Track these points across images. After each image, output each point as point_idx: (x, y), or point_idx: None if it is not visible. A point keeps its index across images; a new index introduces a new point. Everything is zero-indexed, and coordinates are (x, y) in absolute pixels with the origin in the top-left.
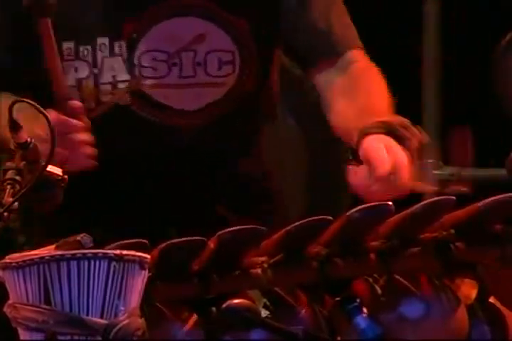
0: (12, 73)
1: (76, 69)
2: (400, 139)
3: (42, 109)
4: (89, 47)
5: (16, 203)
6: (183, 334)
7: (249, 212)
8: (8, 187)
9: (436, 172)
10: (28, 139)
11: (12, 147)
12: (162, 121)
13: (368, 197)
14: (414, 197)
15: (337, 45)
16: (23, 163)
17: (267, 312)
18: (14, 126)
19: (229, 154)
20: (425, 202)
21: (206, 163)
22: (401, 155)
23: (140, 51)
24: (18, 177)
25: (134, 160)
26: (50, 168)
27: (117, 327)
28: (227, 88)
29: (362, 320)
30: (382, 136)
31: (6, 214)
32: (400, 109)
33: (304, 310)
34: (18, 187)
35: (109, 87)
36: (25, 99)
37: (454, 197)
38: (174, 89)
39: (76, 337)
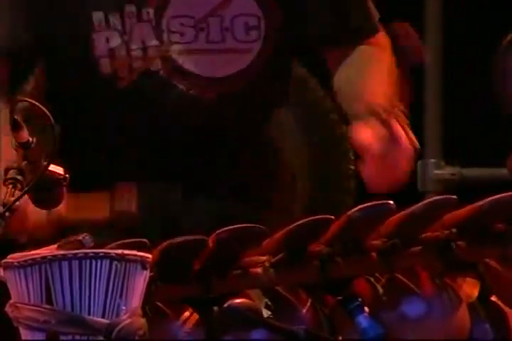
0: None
1: (107, 40)
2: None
3: (43, 108)
4: (118, 15)
5: (18, 203)
6: (184, 334)
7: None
8: (10, 186)
9: (437, 171)
10: (30, 139)
11: (13, 147)
12: (189, 88)
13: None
14: (415, 196)
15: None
16: (25, 162)
17: (269, 312)
18: (15, 126)
19: (253, 122)
20: (427, 201)
21: (229, 133)
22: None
23: (167, 17)
24: (19, 177)
25: (160, 127)
26: (51, 167)
27: (119, 327)
28: (253, 55)
29: (363, 319)
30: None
31: (7, 213)
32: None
33: (305, 310)
34: (19, 186)
35: (139, 53)
36: (26, 99)
37: (455, 197)
38: (202, 55)
39: (78, 337)
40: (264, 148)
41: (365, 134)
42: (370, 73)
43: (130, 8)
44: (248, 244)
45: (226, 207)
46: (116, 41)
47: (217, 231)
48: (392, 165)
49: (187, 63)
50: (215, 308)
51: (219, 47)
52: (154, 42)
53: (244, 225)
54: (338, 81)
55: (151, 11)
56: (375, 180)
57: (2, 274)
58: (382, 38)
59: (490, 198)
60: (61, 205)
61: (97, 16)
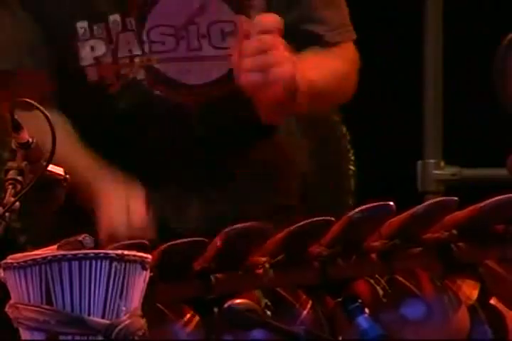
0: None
1: (93, 48)
2: None
3: (42, 108)
4: (102, 24)
5: (18, 203)
6: (185, 334)
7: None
8: (10, 187)
9: (437, 172)
10: (30, 139)
11: (13, 147)
12: (172, 96)
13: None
14: (415, 197)
15: (329, 39)
16: (25, 162)
17: (269, 313)
18: (15, 126)
19: (239, 132)
20: (427, 202)
21: (215, 140)
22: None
23: (148, 26)
24: (19, 177)
25: (144, 136)
26: (51, 167)
27: (119, 327)
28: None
29: (363, 321)
30: None
31: (7, 214)
32: (400, 109)
33: (305, 311)
34: (19, 187)
35: (127, 60)
36: (25, 99)
37: (456, 198)
38: (183, 63)
39: (77, 337)
40: (252, 155)
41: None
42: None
43: (114, 18)
44: (253, 243)
45: (213, 211)
46: (101, 49)
47: (225, 230)
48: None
49: (169, 71)
50: (216, 309)
51: (199, 54)
52: (138, 51)
53: (251, 223)
54: None
55: (133, 20)
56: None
57: (2, 275)
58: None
59: (490, 199)
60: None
61: (81, 26)
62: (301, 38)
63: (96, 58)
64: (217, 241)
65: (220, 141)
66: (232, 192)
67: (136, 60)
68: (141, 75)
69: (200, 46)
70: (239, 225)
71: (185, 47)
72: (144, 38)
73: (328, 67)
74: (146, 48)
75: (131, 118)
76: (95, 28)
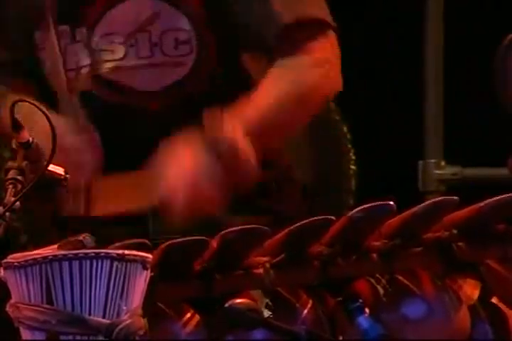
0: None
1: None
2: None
3: (43, 108)
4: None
5: (18, 203)
6: (185, 334)
7: None
8: (10, 186)
9: (438, 171)
10: (30, 139)
11: (14, 146)
12: (124, 104)
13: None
14: (416, 196)
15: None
16: (25, 162)
17: (269, 312)
18: (16, 126)
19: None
20: (428, 202)
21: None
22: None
23: (98, 35)
24: (20, 177)
25: (107, 147)
26: (52, 167)
27: (119, 327)
28: (187, 69)
29: (364, 320)
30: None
31: (7, 213)
32: (401, 108)
33: (305, 310)
34: (20, 186)
35: (73, 74)
36: (26, 99)
37: (456, 198)
38: (133, 71)
39: (78, 337)
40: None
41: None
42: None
43: (63, 28)
44: (252, 244)
45: None
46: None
47: (223, 232)
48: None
49: (119, 79)
50: (216, 308)
51: (149, 62)
52: (86, 61)
53: (249, 226)
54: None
55: (84, 30)
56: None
57: (2, 274)
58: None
59: (490, 199)
60: None
61: (37, 36)
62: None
63: (50, 69)
64: (214, 243)
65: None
66: None
67: (84, 70)
68: (88, 86)
69: (152, 53)
70: (235, 228)
71: (135, 55)
72: (94, 46)
73: (280, 99)
74: (96, 57)
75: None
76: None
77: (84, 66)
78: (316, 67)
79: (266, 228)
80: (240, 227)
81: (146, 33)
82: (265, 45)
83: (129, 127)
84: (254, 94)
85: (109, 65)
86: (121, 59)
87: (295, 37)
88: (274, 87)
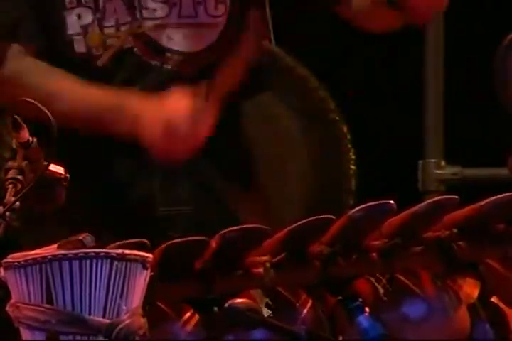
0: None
1: (79, 16)
2: None
3: (43, 108)
4: None
5: (18, 202)
6: (185, 333)
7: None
8: (10, 186)
9: (438, 171)
10: (30, 138)
11: (14, 146)
12: (163, 64)
13: None
14: (416, 196)
15: None
16: (25, 162)
17: (269, 312)
18: (16, 125)
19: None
20: (428, 201)
21: None
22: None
23: None
24: (20, 177)
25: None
26: (51, 167)
27: (119, 327)
28: (219, 30)
29: (364, 320)
30: None
31: (7, 213)
32: (401, 108)
33: (305, 310)
34: (20, 186)
35: (113, 30)
36: (26, 99)
37: (456, 197)
38: (175, 29)
39: (78, 337)
40: (240, 138)
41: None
42: None
43: None
44: (252, 243)
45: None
46: (88, 18)
47: (222, 231)
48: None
49: (161, 39)
50: (216, 308)
51: (191, 21)
52: (127, 19)
53: (248, 226)
54: None
55: None
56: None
57: (2, 274)
58: None
59: (490, 198)
60: None
61: None
62: None
63: (83, 27)
64: (213, 243)
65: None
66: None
67: (123, 28)
68: (129, 43)
69: (196, 13)
70: (235, 227)
71: (177, 14)
72: (136, 4)
73: None
74: (137, 15)
75: (121, 85)
76: None
77: (124, 24)
78: None
79: (266, 227)
80: (239, 227)
81: None
82: None
83: (158, 88)
84: None
85: (150, 23)
86: (163, 17)
87: None
88: None
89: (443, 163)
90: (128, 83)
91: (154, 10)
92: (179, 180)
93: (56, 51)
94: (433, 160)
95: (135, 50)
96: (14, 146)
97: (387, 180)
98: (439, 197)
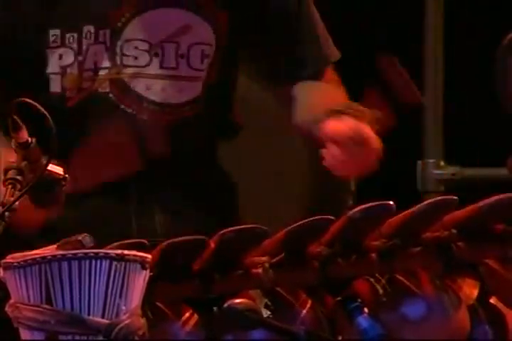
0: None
1: (61, 57)
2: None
3: (42, 109)
4: (75, 34)
5: (17, 203)
6: (184, 334)
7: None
8: (9, 186)
9: (437, 171)
10: (29, 139)
11: (13, 147)
12: (138, 112)
13: (341, 171)
14: (415, 196)
15: (320, 61)
16: (24, 162)
17: (269, 312)
18: (15, 126)
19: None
20: (427, 201)
21: (178, 160)
22: (361, 126)
23: (123, 39)
24: (19, 177)
25: (108, 150)
26: (51, 167)
27: (118, 327)
28: (201, 83)
29: (363, 320)
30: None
31: (7, 213)
32: (401, 109)
33: (305, 310)
34: (19, 186)
35: (90, 74)
36: (26, 99)
37: (456, 197)
38: (153, 80)
39: (77, 337)
40: (216, 178)
41: (334, 124)
42: (328, 89)
43: (88, 28)
44: (251, 244)
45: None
46: (69, 59)
47: (221, 232)
48: (358, 155)
49: (138, 87)
50: (215, 308)
51: (172, 73)
52: (106, 63)
53: (247, 226)
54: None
55: (108, 32)
56: (340, 166)
57: (2, 274)
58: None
59: (490, 199)
60: None
61: (54, 33)
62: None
63: (62, 67)
64: (212, 243)
65: (183, 160)
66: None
67: (102, 72)
68: (105, 88)
69: (177, 65)
70: (233, 228)
71: (159, 65)
72: (117, 50)
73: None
74: (118, 61)
75: (89, 128)
76: (67, 36)
77: (104, 68)
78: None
79: (265, 228)
80: (238, 227)
81: (174, 43)
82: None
83: (136, 136)
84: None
85: (130, 70)
86: (143, 66)
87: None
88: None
89: (442, 163)
90: (100, 127)
91: (135, 58)
92: (153, 212)
93: (33, 86)
94: (432, 160)
95: (110, 95)
96: (13, 147)
97: (387, 180)
98: (439, 198)
